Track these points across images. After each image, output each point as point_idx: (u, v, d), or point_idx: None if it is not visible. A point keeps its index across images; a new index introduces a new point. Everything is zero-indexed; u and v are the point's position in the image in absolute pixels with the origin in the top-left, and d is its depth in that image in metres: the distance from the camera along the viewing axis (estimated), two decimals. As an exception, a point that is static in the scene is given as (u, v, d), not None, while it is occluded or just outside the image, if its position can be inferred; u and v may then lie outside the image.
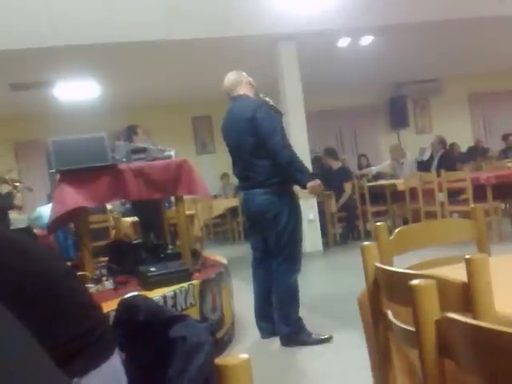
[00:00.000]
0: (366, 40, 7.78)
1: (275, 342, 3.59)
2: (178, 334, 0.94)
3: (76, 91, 8.42)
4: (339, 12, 6.63)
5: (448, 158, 8.25)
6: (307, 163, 6.83)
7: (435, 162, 8.24)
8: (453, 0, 6.93)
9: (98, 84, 8.31)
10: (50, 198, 7.05)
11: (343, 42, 7.75)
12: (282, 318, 3.52)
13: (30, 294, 0.98)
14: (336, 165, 8.13)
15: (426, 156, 9.25)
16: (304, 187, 3.41)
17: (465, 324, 0.86)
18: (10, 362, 0.58)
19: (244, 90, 3.60)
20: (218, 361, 0.68)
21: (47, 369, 0.64)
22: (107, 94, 8.88)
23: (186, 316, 1.02)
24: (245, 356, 0.68)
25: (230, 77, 3.64)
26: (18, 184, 5.84)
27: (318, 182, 3.43)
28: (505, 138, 10.55)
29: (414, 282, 1.02)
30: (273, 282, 3.55)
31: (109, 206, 6.91)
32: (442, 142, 8.52)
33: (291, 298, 3.52)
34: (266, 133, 3.36)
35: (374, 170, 8.99)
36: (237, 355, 0.68)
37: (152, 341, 1.01)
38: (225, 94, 3.69)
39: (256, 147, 3.41)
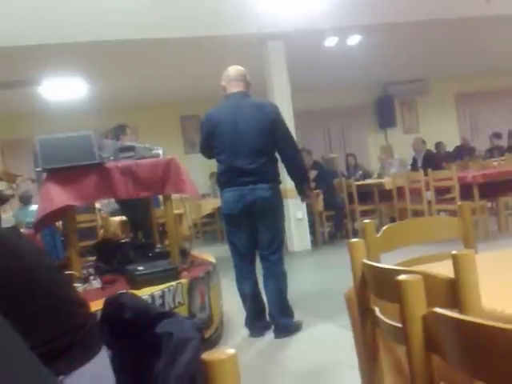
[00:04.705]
0: (354, 40, 7.79)
1: (263, 339, 3.60)
2: (165, 330, 0.93)
3: (62, 90, 8.35)
4: (327, 11, 6.65)
5: (431, 157, 8.31)
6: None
7: (419, 162, 8.29)
8: (439, 0, 6.97)
9: (85, 83, 8.25)
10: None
11: (330, 42, 7.77)
12: (283, 310, 3.62)
13: (15, 290, 0.97)
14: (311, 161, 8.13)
15: (409, 162, 9.12)
16: (304, 191, 3.77)
17: (451, 319, 0.87)
18: None
19: (246, 88, 3.61)
20: (205, 356, 0.67)
21: (31, 366, 0.64)
22: (94, 92, 8.82)
23: (172, 313, 1.01)
24: (231, 351, 0.68)
25: (240, 68, 3.62)
26: (19, 176, 5.73)
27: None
28: (496, 136, 10.49)
29: (401, 277, 1.03)
30: (271, 275, 3.61)
31: (97, 205, 6.89)
32: (423, 142, 8.59)
33: (286, 287, 3.66)
34: (286, 134, 3.61)
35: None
36: (223, 350, 0.68)
37: (139, 338, 1.01)
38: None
39: (271, 145, 3.55)
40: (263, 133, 3.49)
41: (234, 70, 3.62)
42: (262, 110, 3.53)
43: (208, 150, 3.69)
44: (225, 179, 3.58)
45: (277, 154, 3.66)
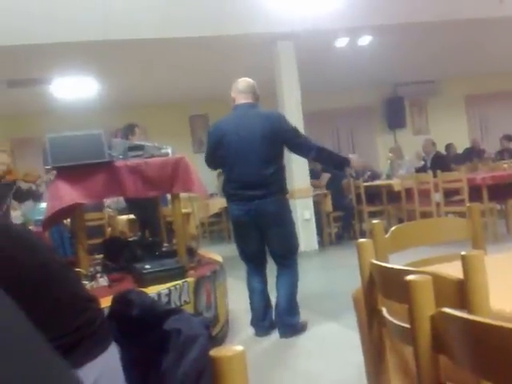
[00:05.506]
0: (364, 40, 7.78)
1: (269, 338, 3.60)
2: (173, 327, 0.93)
3: (73, 89, 8.39)
4: (337, 12, 6.63)
5: (441, 159, 8.27)
6: (305, 164, 6.84)
7: (428, 163, 8.25)
8: (451, 1, 6.94)
9: (95, 82, 8.29)
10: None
11: (341, 42, 7.75)
12: (292, 310, 3.65)
13: (28, 284, 0.97)
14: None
15: (421, 163, 9.06)
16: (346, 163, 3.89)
17: (459, 319, 0.86)
18: (9, 346, 0.57)
19: (254, 100, 3.63)
20: (213, 353, 0.67)
21: (47, 354, 0.64)
22: (104, 91, 8.85)
23: (180, 310, 1.02)
24: (240, 348, 0.68)
25: (249, 81, 3.64)
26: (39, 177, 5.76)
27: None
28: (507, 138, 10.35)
29: (410, 277, 1.02)
30: (283, 276, 3.64)
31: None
32: (433, 143, 8.55)
33: (297, 288, 3.70)
34: (297, 141, 3.61)
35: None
36: (231, 347, 0.68)
37: (147, 334, 1.01)
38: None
39: (278, 155, 3.58)
40: (269, 142, 3.50)
41: (243, 82, 3.64)
42: (267, 120, 3.54)
43: (213, 159, 3.72)
44: (230, 191, 3.61)
45: (285, 162, 3.71)
